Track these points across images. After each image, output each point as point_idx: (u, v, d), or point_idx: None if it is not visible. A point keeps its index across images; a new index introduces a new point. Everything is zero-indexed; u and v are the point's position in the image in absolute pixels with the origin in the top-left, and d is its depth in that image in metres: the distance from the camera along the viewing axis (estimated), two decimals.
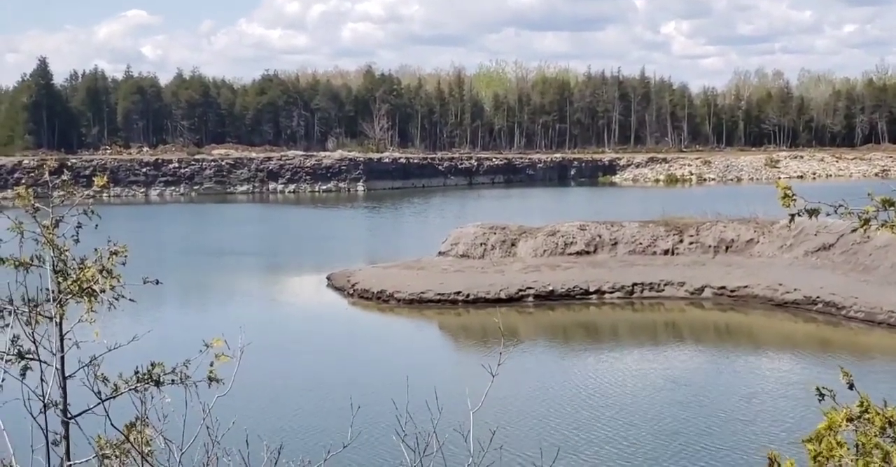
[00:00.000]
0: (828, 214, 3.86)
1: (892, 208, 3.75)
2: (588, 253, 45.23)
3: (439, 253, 47.90)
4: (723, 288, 39.72)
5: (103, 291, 5.40)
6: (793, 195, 3.88)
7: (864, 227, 3.75)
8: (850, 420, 3.89)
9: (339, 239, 65.57)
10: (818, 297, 36.50)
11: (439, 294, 40.85)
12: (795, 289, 37.46)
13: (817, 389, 3.91)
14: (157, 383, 5.76)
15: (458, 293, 40.80)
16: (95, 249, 5.86)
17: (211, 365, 5.87)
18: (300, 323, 38.33)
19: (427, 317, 39.11)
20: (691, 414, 24.81)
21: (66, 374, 5.49)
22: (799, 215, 3.90)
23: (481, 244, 46.62)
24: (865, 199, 3.82)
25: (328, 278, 46.16)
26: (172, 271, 47.37)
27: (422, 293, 40.95)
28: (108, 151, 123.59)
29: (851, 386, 3.93)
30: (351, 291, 42.82)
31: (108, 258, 5.46)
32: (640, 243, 45.21)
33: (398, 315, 39.66)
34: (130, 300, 5.38)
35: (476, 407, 4.72)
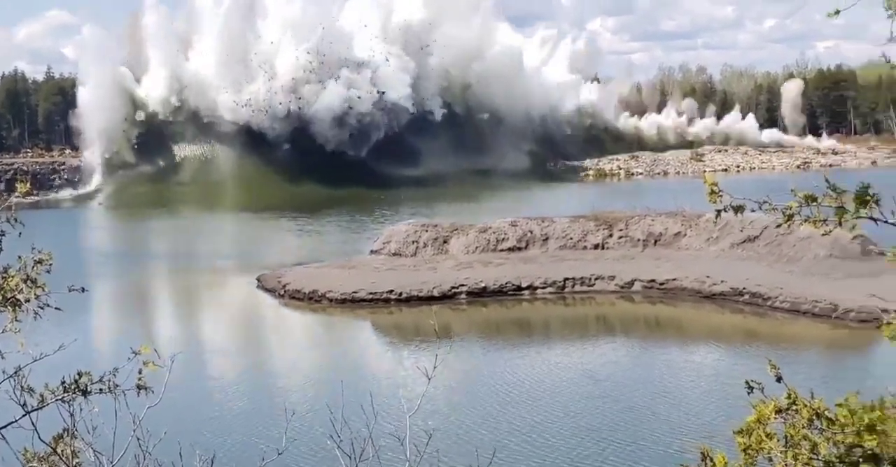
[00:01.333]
0: (752, 210, 3.92)
1: (814, 204, 3.82)
2: (520, 249, 45.49)
3: (371, 251, 47.82)
4: (652, 281, 40.24)
5: (28, 301, 5.28)
6: (719, 191, 3.94)
7: (788, 223, 3.82)
8: (778, 412, 3.97)
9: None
10: (744, 289, 37.17)
11: (372, 293, 40.74)
12: (722, 281, 38.10)
13: (746, 382, 3.98)
14: (85, 393, 5.66)
15: (391, 292, 40.73)
16: (19, 257, 5.73)
17: (140, 373, 5.79)
18: (230, 327, 37.92)
19: (360, 317, 38.99)
20: (614, 407, 25.09)
21: None
22: (725, 211, 3.96)
23: (413, 242, 46.62)
24: (788, 194, 3.89)
25: (258, 279, 45.68)
26: (93, 277, 46.53)
27: (354, 292, 40.80)
28: (30, 154, 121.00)
29: (779, 379, 4.00)
30: (282, 292, 42.49)
31: (33, 267, 5.35)
32: (571, 238, 45.60)
33: (330, 315, 39.47)
34: (56, 308, 5.27)
35: (412, 412, 4.71)
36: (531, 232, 46.43)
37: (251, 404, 25.93)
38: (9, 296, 5.36)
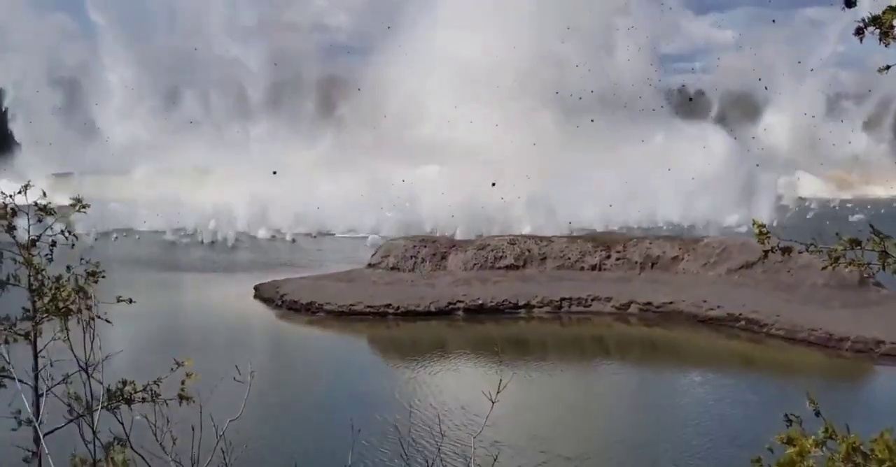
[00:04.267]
0: (800, 252, 4.10)
1: (858, 248, 4.01)
2: (517, 267, 45.64)
3: (369, 265, 47.91)
4: (648, 304, 40.41)
5: (79, 311, 5.45)
6: (767, 233, 4.12)
7: (833, 265, 4.00)
8: (816, 445, 4.13)
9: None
10: (741, 314, 37.36)
11: (369, 306, 40.88)
12: (719, 306, 38.29)
13: (785, 415, 4.14)
14: (129, 401, 5.83)
15: (388, 306, 40.87)
16: (68, 268, 5.90)
17: (182, 383, 5.96)
18: (224, 337, 37.56)
19: (357, 331, 39.06)
20: (600, 434, 25.23)
21: (40, 392, 5.53)
22: (773, 252, 4.14)
23: (412, 257, 46.74)
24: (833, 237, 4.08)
25: (255, 289, 45.68)
26: None
27: (352, 305, 40.93)
28: None
29: (818, 413, 4.17)
30: (279, 302, 42.57)
31: (85, 279, 5.51)
32: (569, 258, 45.76)
33: (327, 328, 39.52)
34: (107, 321, 5.43)
35: (478, 433, 4.86)
36: (529, 250, 46.58)
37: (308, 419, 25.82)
38: (61, 306, 5.53)
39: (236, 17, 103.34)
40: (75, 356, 4.88)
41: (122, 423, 4.93)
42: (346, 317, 40.35)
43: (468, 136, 77.51)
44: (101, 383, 5.06)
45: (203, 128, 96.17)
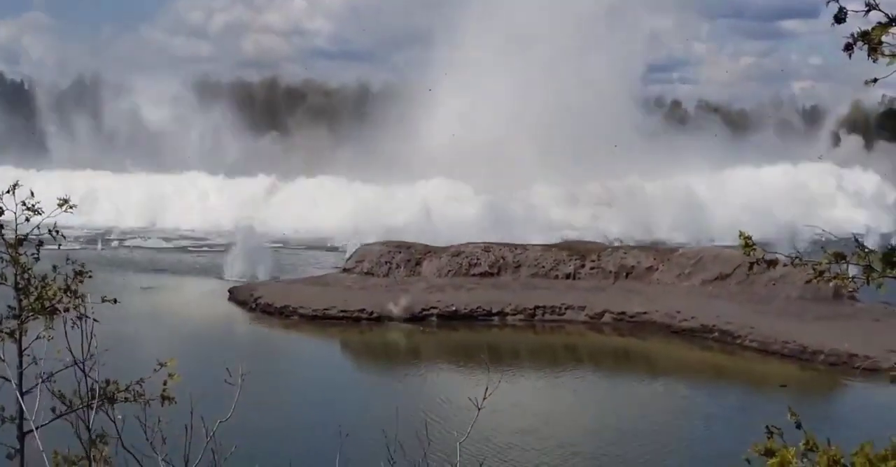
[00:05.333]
0: (784, 265, 4.17)
1: (842, 262, 4.08)
2: (491, 274, 45.70)
3: (344, 269, 47.88)
4: (622, 313, 40.58)
5: (66, 310, 5.45)
6: (753, 244, 4.19)
7: (818, 279, 4.07)
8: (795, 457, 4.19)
9: None
10: (714, 326, 37.58)
11: (343, 311, 40.85)
12: (693, 317, 38.50)
13: (766, 427, 4.20)
14: (112, 400, 5.83)
15: (362, 311, 40.86)
16: (54, 267, 5.90)
17: (164, 384, 5.97)
18: (198, 339, 37.35)
19: (330, 336, 39.04)
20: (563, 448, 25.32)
21: (24, 390, 5.52)
22: (758, 264, 4.21)
23: (386, 262, 46.71)
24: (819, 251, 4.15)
25: (230, 291, 45.59)
26: None
27: (326, 309, 40.90)
28: None
29: (799, 426, 4.23)
30: (254, 305, 42.48)
31: (73, 278, 5.52)
32: (543, 267, 45.86)
33: (301, 332, 39.47)
34: (94, 320, 5.43)
35: (463, 438, 4.90)
36: (504, 258, 46.66)
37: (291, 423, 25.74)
38: (47, 305, 5.54)
39: None
40: (71, 353, 4.88)
41: (113, 421, 4.93)
42: (319, 320, 40.31)
43: None
44: (97, 381, 5.06)
45: None
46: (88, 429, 4.91)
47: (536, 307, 41.53)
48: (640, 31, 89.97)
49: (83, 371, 4.97)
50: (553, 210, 68.03)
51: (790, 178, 79.97)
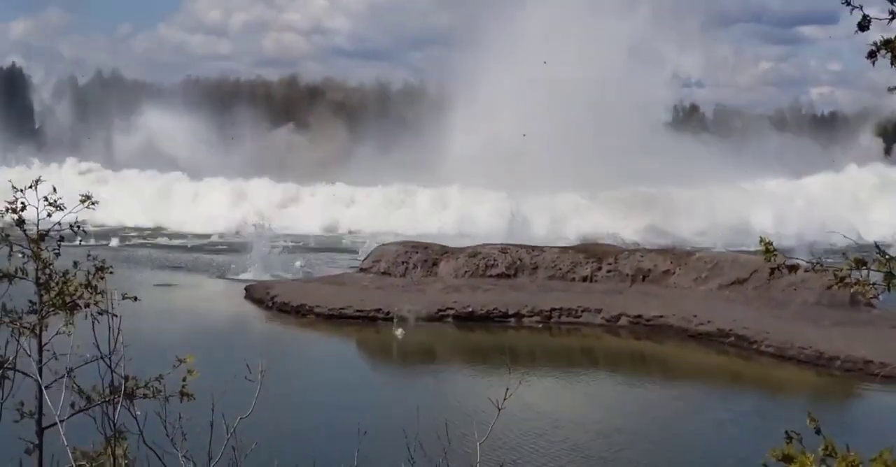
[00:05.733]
0: (806, 271, 4.16)
1: (864, 268, 4.07)
2: (508, 276, 45.67)
3: (360, 269, 47.96)
4: (639, 316, 40.47)
5: (87, 306, 5.50)
6: (774, 250, 4.18)
7: (839, 285, 4.06)
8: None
9: None
10: (731, 330, 37.43)
11: (359, 310, 40.91)
12: (709, 322, 38.36)
13: (786, 432, 4.20)
14: (131, 396, 5.87)
15: (378, 310, 40.90)
16: (75, 263, 5.95)
17: (183, 380, 6.00)
18: (214, 337, 37.46)
19: (346, 335, 39.14)
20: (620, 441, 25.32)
21: (44, 385, 5.56)
22: (779, 270, 4.20)
23: (403, 262, 46.75)
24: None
25: (246, 289, 45.77)
26: None
27: (342, 309, 40.97)
28: None
29: (818, 431, 4.23)
30: (270, 304, 42.60)
31: (94, 274, 5.56)
32: (560, 269, 45.80)
33: (317, 331, 39.58)
34: (114, 315, 5.48)
35: (483, 438, 4.92)
36: (521, 260, 46.63)
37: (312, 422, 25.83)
38: (68, 300, 5.58)
39: None
40: (97, 348, 4.92)
41: (135, 417, 4.97)
42: (335, 319, 40.40)
43: None
44: (120, 375, 5.10)
45: None
46: (113, 424, 4.95)
47: (553, 309, 41.47)
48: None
49: (109, 366, 5.00)
50: (578, 216, 67.64)
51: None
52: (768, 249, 4.21)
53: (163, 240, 68.13)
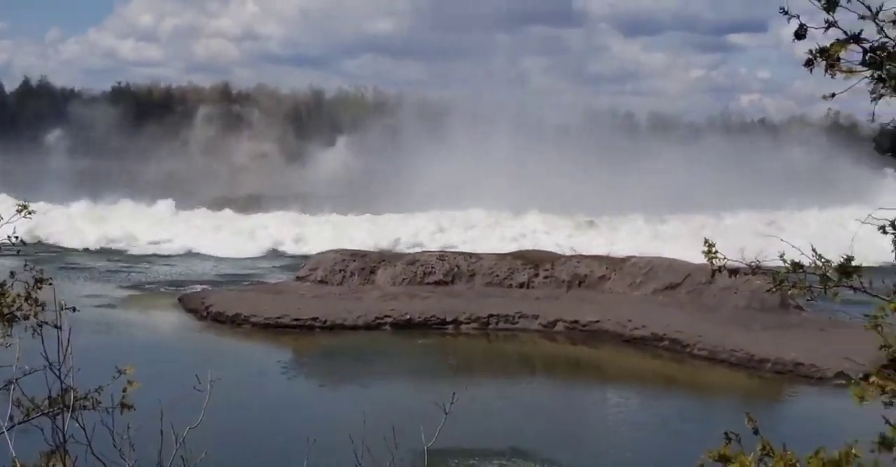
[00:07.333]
0: (746, 274, 4.26)
1: (800, 271, 4.18)
2: (446, 283, 45.80)
3: (297, 277, 47.70)
4: (575, 322, 40.82)
5: (26, 317, 5.41)
6: (716, 251, 4.27)
7: (777, 288, 4.17)
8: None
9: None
10: (665, 334, 37.94)
11: (296, 319, 40.66)
12: (644, 326, 38.84)
13: (725, 433, 4.29)
14: (71, 409, 5.79)
15: (315, 319, 40.70)
16: (11, 274, 5.85)
17: (124, 391, 5.93)
18: (149, 348, 36.86)
19: (283, 344, 38.81)
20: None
21: None
22: (720, 271, 4.30)
23: (340, 270, 46.64)
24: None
25: (180, 300, 45.19)
26: None
27: (278, 318, 40.68)
28: None
29: (756, 432, 4.32)
30: (205, 314, 42.11)
31: (33, 285, 5.48)
32: (498, 275, 46.06)
33: (254, 340, 39.19)
34: (56, 327, 5.39)
35: (430, 442, 4.94)
36: (458, 267, 46.80)
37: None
38: (5, 312, 5.49)
39: None
40: (46, 358, 4.84)
41: (83, 428, 4.90)
42: (272, 329, 40.08)
43: None
44: (69, 387, 5.03)
45: None
46: (63, 436, 4.88)
47: (490, 315, 41.65)
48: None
49: (58, 376, 4.93)
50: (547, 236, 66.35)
51: None
52: (710, 250, 4.30)
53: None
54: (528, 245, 57.88)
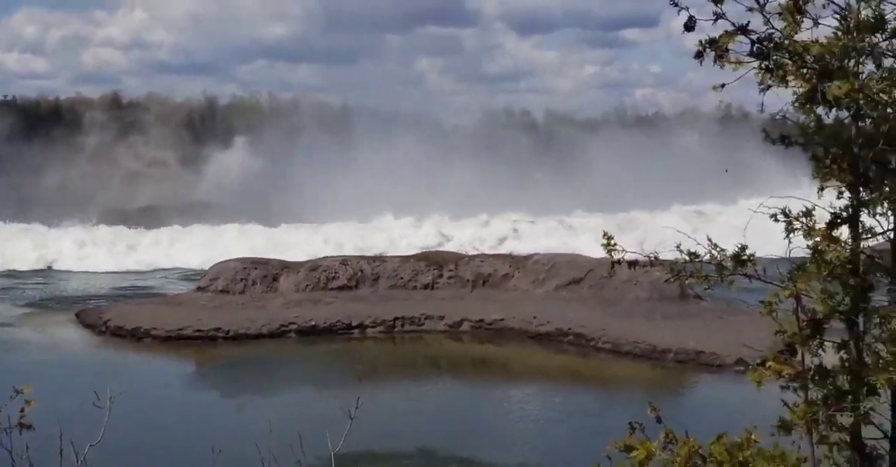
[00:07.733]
0: (644, 266, 4.32)
1: (697, 260, 4.25)
2: (350, 288, 45.56)
3: (198, 288, 46.90)
4: (480, 321, 41.04)
5: None
6: (615, 244, 4.32)
7: (676, 278, 4.23)
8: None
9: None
10: (569, 329, 38.42)
11: (198, 330, 40.01)
12: (548, 322, 39.26)
13: (629, 424, 4.34)
14: None
15: (218, 329, 40.11)
16: None
17: (22, 411, 5.75)
18: (45, 366, 35.76)
19: (185, 356, 38.16)
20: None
21: None
22: (619, 263, 4.35)
23: (242, 279, 46.01)
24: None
25: (77, 315, 44.01)
26: None
27: (180, 330, 39.97)
28: None
29: (659, 420, 4.39)
30: (103, 328, 41.12)
31: None
32: (402, 278, 46.00)
33: (155, 354, 38.44)
34: None
35: (337, 447, 4.89)
36: (362, 271, 46.60)
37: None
38: None
39: None
40: None
41: None
42: (173, 341, 39.37)
43: None
44: None
45: None
46: None
47: (395, 318, 41.60)
48: None
49: None
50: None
51: None
52: (609, 243, 4.35)
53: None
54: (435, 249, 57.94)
